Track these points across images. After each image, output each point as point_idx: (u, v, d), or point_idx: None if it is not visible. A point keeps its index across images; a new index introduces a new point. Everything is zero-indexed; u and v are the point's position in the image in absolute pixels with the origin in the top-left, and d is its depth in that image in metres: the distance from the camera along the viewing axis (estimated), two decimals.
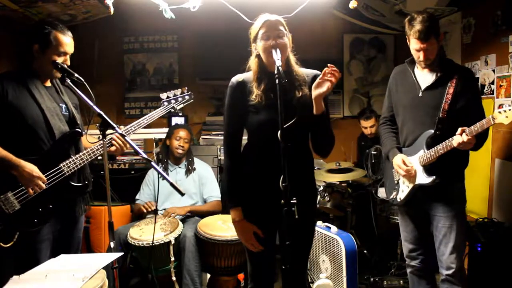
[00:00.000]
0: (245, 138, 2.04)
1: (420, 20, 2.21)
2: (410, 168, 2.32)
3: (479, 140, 2.13)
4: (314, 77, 1.96)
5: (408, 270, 2.54)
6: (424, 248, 2.44)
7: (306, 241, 2.05)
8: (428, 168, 2.28)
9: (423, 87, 2.33)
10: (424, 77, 2.35)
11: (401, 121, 2.45)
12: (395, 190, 2.49)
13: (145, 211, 3.20)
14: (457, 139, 2.09)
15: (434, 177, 2.25)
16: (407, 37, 2.33)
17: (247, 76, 1.98)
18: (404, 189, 2.43)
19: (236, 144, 2.02)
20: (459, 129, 2.08)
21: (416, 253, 2.46)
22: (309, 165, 2.07)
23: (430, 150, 2.24)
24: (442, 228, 2.28)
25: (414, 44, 2.27)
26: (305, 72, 1.98)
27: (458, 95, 2.23)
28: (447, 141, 2.16)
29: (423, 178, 2.30)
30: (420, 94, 2.33)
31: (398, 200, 2.46)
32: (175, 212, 3.24)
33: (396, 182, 2.50)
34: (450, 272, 2.26)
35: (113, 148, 2.21)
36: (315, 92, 1.78)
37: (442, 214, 2.28)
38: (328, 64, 1.76)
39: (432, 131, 2.26)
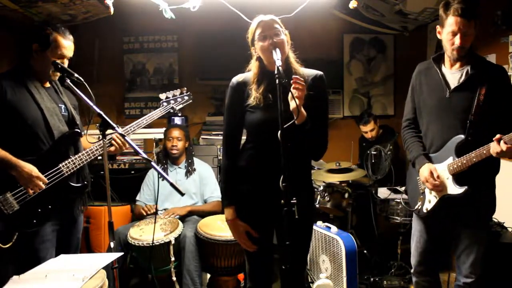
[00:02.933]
0: (243, 138, 2.04)
1: None
2: (438, 183, 2.10)
3: None
4: (314, 78, 1.96)
5: (414, 279, 2.41)
6: (434, 260, 2.32)
7: (304, 241, 2.05)
8: (459, 177, 2.07)
9: (451, 87, 2.10)
10: (453, 76, 2.12)
11: (425, 124, 2.23)
12: (420, 200, 2.28)
13: (144, 214, 3.21)
14: (494, 148, 1.87)
15: (466, 187, 2.04)
16: (439, 26, 2.09)
17: (248, 76, 1.98)
18: (431, 200, 2.21)
19: (235, 144, 2.02)
20: (497, 136, 1.86)
21: (425, 265, 2.33)
22: (307, 165, 2.07)
23: (462, 158, 2.02)
24: (466, 238, 2.14)
25: (451, 26, 1.99)
26: (306, 72, 1.96)
27: (492, 97, 2.00)
28: (482, 149, 1.94)
29: (453, 189, 2.08)
30: (448, 95, 2.10)
31: (424, 211, 2.24)
32: (175, 212, 3.24)
33: (421, 191, 2.28)
34: (468, 281, 2.17)
35: (112, 148, 2.21)
36: (291, 105, 1.74)
37: (468, 224, 2.13)
38: (293, 76, 1.73)
39: (463, 136, 2.04)
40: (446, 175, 2.12)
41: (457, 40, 2.01)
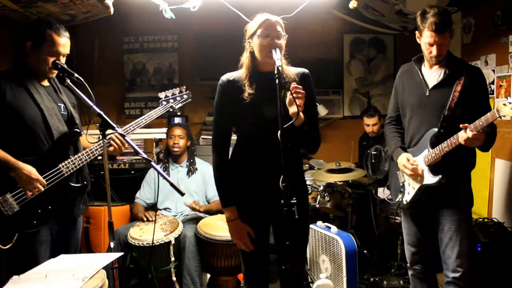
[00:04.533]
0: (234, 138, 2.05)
1: (435, 12, 2.12)
2: (415, 166, 2.25)
3: (488, 139, 2.06)
4: (302, 75, 1.99)
5: (410, 272, 2.48)
6: (426, 251, 2.39)
7: (302, 241, 2.06)
8: (434, 168, 2.22)
9: (430, 85, 2.26)
10: (432, 76, 2.28)
11: (407, 121, 2.38)
12: (401, 193, 2.41)
13: (144, 219, 3.20)
14: (462, 135, 2.02)
15: (440, 176, 2.18)
16: (418, 32, 2.24)
17: (238, 74, 1.98)
18: (410, 191, 2.36)
19: (226, 143, 2.02)
20: (465, 124, 2.00)
21: (418, 256, 2.41)
22: (300, 164, 2.09)
23: (435, 148, 2.17)
24: (448, 231, 2.23)
25: (427, 38, 2.16)
26: (293, 72, 1.98)
27: (466, 94, 2.16)
28: (452, 138, 2.09)
29: (429, 178, 2.23)
30: (428, 93, 2.25)
31: (404, 202, 2.38)
32: (197, 207, 3.25)
33: (401, 184, 2.43)
34: (456, 275, 2.21)
35: (111, 148, 2.20)
36: (291, 110, 1.77)
37: (449, 217, 2.22)
38: (291, 86, 1.74)
39: (436, 129, 2.20)
40: (423, 166, 2.26)
41: (434, 51, 2.18)
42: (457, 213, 2.22)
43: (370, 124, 4.17)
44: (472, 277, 2.23)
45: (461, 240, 2.20)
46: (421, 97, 2.27)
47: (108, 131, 1.85)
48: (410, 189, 2.35)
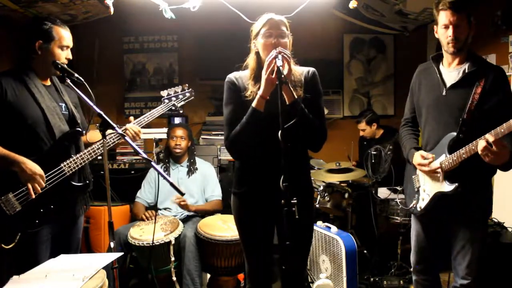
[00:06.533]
0: None
1: None
2: (430, 159, 2.11)
3: None
4: (308, 73, 1.98)
5: (414, 277, 2.41)
6: (433, 259, 2.33)
7: (304, 241, 2.05)
8: (450, 175, 2.08)
9: (448, 85, 2.12)
10: (450, 74, 2.13)
11: (423, 123, 2.25)
12: (415, 199, 2.30)
13: (145, 219, 3.21)
14: (481, 144, 1.88)
15: (456, 184, 2.04)
16: (435, 25, 2.13)
17: (244, 73, 1.99)
18: (424, 197, 2.23)
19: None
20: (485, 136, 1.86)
21: (424, 264, 2.33)
22: (305, 165, 2.07)
23: (452, 154, 2.03)
24: (461, 239, 2.13)
25: (443, 19, 2.03)
26: (300, 71, 1.98)
27: (487, 96, 2.01)
28: (470, 144, 1.95)
29: (444, 186, 2.10)
30: (444, 93, 2.11)
31: (418, 209, 2.26)
32: (185, 204, 3.22)
33: (416, 190, 2.30)
34: (465, 282, 2.15)
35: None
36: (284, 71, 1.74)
37: (463, 225, 2.13)
38: (277, 49, 1.76)
39: (454, 133, 2.05)
40: (440, 172, 2.14)
41: (450, 32, 2.04)
42: (472, 222, 2.13)
43: (359, 129, 4.28)
44: (481, 284, 2.18)
45: (473, 249, 2.12)
46: (437, 97, 2.14)
47: (108, 131, 1.85)
48: (425, 195, 2.23)
